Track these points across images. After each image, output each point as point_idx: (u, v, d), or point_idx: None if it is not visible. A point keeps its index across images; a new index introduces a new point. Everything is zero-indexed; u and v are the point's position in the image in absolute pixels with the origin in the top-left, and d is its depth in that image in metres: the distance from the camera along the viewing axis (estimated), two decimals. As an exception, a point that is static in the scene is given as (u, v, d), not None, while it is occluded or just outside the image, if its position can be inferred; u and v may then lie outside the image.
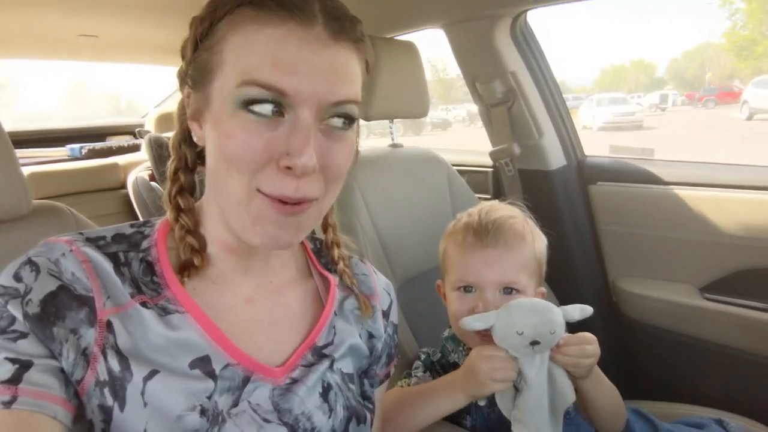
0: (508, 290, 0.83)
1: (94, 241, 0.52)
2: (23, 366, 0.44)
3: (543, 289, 0.91)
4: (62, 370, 0.45)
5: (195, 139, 0.54)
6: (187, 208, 0.55)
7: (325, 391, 0.57)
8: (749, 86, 14.01)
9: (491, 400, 0.82)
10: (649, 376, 1.41)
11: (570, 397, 0.76)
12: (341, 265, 0.65)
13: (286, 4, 0.46)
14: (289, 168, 0.46)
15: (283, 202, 0.47)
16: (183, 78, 0.53)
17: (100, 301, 0.47)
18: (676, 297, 1.31)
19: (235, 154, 0.46)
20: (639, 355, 1.42)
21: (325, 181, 0.50)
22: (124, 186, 1.72)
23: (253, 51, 0.45)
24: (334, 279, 0.64)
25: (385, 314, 0.69)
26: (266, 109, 0.46)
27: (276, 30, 0.46)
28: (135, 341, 0.48)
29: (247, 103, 0.45)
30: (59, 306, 0.46)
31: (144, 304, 0.49)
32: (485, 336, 0.80)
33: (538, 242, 0.88)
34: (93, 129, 2.30)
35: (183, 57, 0.53)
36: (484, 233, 0.84)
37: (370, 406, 0.64)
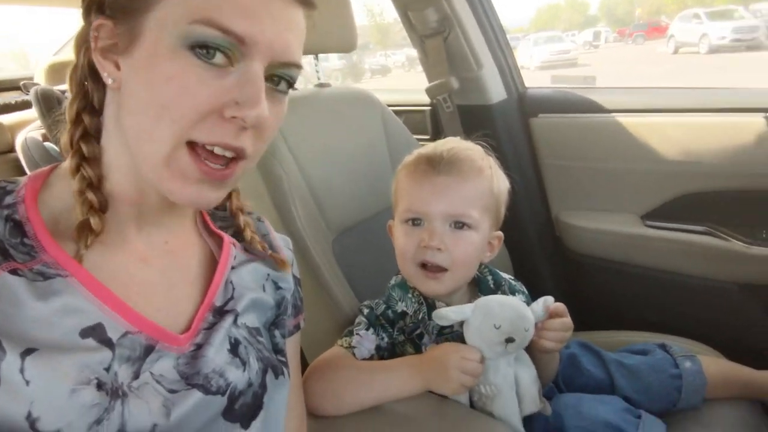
0: (459, 224, 0.79)
1: None
2: None
3: (500, 233, 0.87)
4: None
5: (107, 79, 0.46)
6: (92, 156, 0.47)
7: (234, 347, 0.53)
8: (675, 21, 14.50)
9: None
10: (594, 307, 1.42)
11: (531, 406, 0.76)
12: (248, 232, 0.61)
13: None
14: (235, 118, 0.43)
15: (210, 164, 0.44)
16: (94, 4, 0.45)
17: None
18: (618, 227, 1.30)
19: (174, 101, 0.41)
20: (584, 287, 1.43)
21: (256, 142, 0.47)
22: (12, 149, 1.48)
23: None
24: (228, 238, 0.60)
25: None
26: (217, 56, 0.41)
27: None
28: (4, 317, 0.40)
29: (195, 46, 0.41)
30: None
31: (14, 272, 0.42)
32: (432, 271, 0.79)
33: (499, 180, 0.84)
34: (-28, 86, 1.98)
35: None
36: (438, 160, 0.80)
37: (283, 359, 0.62)
